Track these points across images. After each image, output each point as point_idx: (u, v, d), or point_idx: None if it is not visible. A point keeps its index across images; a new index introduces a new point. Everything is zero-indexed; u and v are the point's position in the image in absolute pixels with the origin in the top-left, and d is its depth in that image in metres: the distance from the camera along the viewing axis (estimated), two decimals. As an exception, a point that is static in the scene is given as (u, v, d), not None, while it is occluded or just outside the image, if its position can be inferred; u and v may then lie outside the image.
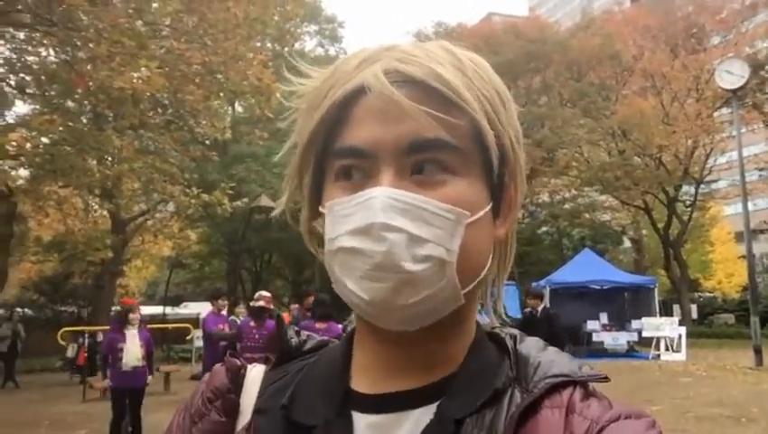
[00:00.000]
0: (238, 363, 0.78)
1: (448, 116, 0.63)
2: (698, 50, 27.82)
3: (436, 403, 0.65)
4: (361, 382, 0.70)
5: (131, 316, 8.18)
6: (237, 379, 0.76)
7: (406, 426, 0.65)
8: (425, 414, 0.65)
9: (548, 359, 0.69)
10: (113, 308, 24.28)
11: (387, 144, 0.63)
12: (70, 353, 16.49)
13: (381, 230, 0.61)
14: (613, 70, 29.74)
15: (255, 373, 0.77)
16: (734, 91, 17.81)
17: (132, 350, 7.86)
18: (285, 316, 11.83)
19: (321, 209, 0.68)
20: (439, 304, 0.64)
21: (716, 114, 27.29)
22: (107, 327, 17.85)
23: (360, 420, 0.67)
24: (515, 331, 0.75)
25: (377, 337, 0.69)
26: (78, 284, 27.65)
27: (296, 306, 12.76)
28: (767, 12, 29.40)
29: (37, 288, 27.66)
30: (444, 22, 37.01)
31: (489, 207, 0.67)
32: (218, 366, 0.79)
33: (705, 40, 28.84)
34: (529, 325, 9.52)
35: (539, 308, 9.46)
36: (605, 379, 0.68)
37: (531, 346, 0.72)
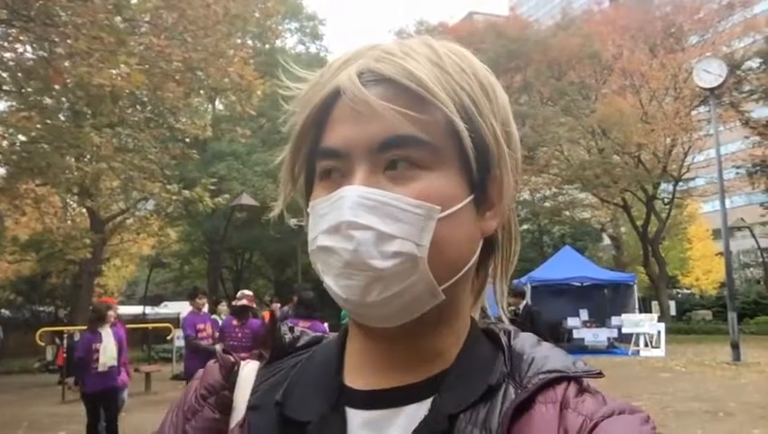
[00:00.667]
0: (232, 359, 0.77)
1: (421, 112, 0.63)
2: (676, 49, 28.13)
3: (430, 399, 0.65)
4: (355, 378, 0.70)
5: (109, 313, 8.03)
6: (230, 375, 0.76)
7: (400, 421, 0.65)
8: (419, 410, 0.65)
9: (542, 355, 0.69)
10: (90, 308, 24.05)
11: (360, 143, 0.64)
12: (50, 355, 16.28)
13: (349, 228, 0.61)
14: (593, 69, 29.97)
15: (248, 370, 0.77)
16: (711, 90, 18.03)
17: (108, 348, 7.73)
18: (266, 314, 11.79)
19: (307, 209, 0.69)
20: (414, 299, 0.64)
21: (693, 112, 27.63)
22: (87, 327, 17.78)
23: (355, 416, 0.66)
24: (510, 327, 0.74)
25: (365, 333, 0.69)
26: (56, 284, 27.36)
27: (278, 304, 12.71)
28: (744, 11, 29.82)
29: (14, 288, 27.29)
30: (426, 20, 37.05)
31: (468, 200, 0.66)
32: (211, 363, 0.78)
33: (683, 39, 29.18)
34: (511, 323, 9.57)
35: (521, 306, 9.49)
36: (599, 374, 0.68)
37: (525, 342, 0.71)
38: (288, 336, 0.79)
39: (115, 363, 7.73)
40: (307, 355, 0.76)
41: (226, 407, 0.74)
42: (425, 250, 0.62)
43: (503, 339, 0.72)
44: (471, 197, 0.66)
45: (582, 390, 0.66)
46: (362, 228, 0.61)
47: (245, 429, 0.71)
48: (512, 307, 9.69)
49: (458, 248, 0.66)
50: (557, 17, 34.06)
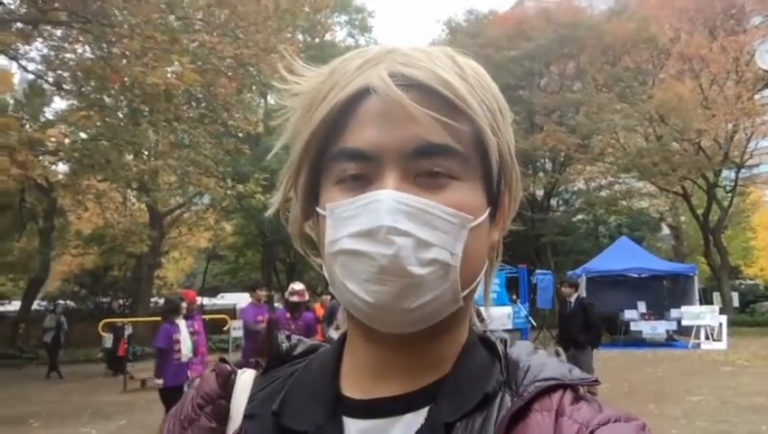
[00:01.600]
0: (228, 368, 0.77)
1: (452, 121, 0.63)
2: (738, 31, 27.08)
3: (427, 408, 0.65)
4: (352, 387, 0.70)
5: (182, 304, 8.12)
6: (227, 384, 0.76)
7: (397, 431, 0.65)
8: (415, 419, 0.65)
9: (538, 363, 0.69)
10: (151, 300, 24.76)
11: (391, 147, 0.63)
12: (108, 343, 16.84)
13: (389, 233, 0.60)
14: (649, 54, 29.14)
15: (245, 379, 0.77)
16: (775, 73, 17.32)
17: (186, 340, 7.85)
18: (318, 306, 11.89)
19: (320, 210, 0.67)
20: (440, 307, 0.64)
21: (756, 96, 26.61)
22: (148, 318, 18.29)
23: (352, 426, 0.66)
24: (505, 335, 0.75)
25: (369, 340, 0.68)
26: (117, 276, 28.24)
27: (328, 297, 12.80)
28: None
29: (78, 281, 28.30)
30: (476, 9, 36.68)
31: (488, 212, 0.67)
32: (207, 372, 0.79)
33: (744, 20, 28.08)
34: (563, 315, 9.43)
35: (573, 298, 9.35)
36: (595, 382, 0.68)
37: (521, 350, 0.72)
38: (285, 345, 0.79)
39: (191, 354, 7.83)
40: (304, 364, 0.76)
41: (222, 416, 0.74)
42: (458, 260, 0.63)
43: (500, 347, 0.72)
44: (489, 209, 0.68)
45: (578, 397, 0.65)
46: (402, 234, 0.61)
47: None
48: (566, 299, 9.56)
49: (479, 257, 0.67)
50: (611, 2, 33.21)
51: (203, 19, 12.19)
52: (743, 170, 28.94)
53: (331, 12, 25.91)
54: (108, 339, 16.70)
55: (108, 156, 12.80)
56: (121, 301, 27.93)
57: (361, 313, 0.65)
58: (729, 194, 28.99)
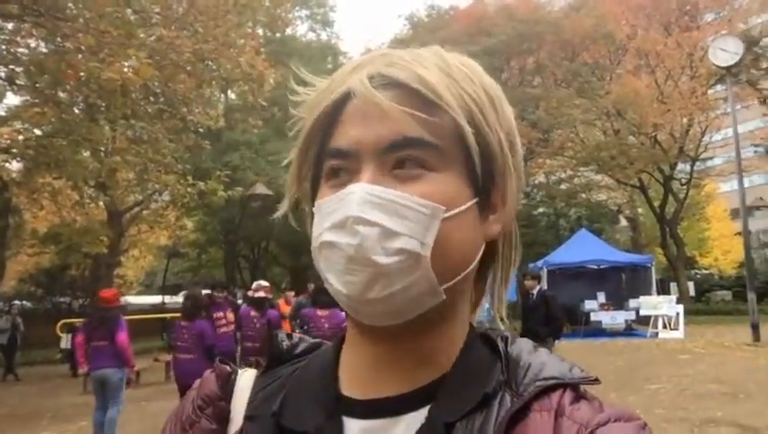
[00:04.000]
0: (228, 369, 0.78)
1: (429, 115, 0.64)
2: (692, 27, 27.71)
3: (427, 407, 0.65)
4: (352, 387, 0.70)
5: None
6: (227, 385, 0.76)
7: (397, 430, 0.65)
8: (416, 418, 0.65)
9: (539, 361, 0.69)
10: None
11: (368, 143, 0.65)
12: (64, 344, 16.51)
13: (355, 223, 0.62)
14: (607, 50, 29.66)
15: (245, 379, 0.77)
16: (728, 69, 17.78)
17: None
18: (282, 302, 11.83)
19: (313, 209, 0.69)
20: (416, 298, 0.64)
21: (710, 91, 27.26)
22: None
23: (352, 426, 0.67)
24: (506, 332, 0.75)
25: (363, 335, 0.69)
26: (75, 275, 27.67)
27: (291, 293, 12.75)
28: (760, -13, 29.27)
29: (34, 281, 27.66)
30: (437, 5, 36.84)
31: (471, 203, 0.67)
32: (208, 373, 0.79)
33: (698, 17, 28.74)
34: (526, 308, 9.54)
35: (535, 291, 9.45)
36: (596, 381, 0.68)
37: (522, 348, 0.72)
38: (286, 343, 0.79)
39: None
40: (304, 363, 0.76)
41: (223, 418, 0.74)
42: (428, 249, 0.63)
43: (500, 345, 0.72)
44: (474, 200, 0.68)
45: (578, 396, 0.66)
46: (368, 223, 0.62)
47: None
48: (529, 292, 9.67)
49: (460, 249, 0.67)
50: (570, -2, 33.66)
51: (161, 13, 11.98)
52: (697, 163, 29.64)
53: (291, 6, 25.70)
54: (67, 339, 16.35)
55: (64, 154, 12.50)
56: (80, 301, 27.38)
57: (344, 305, 0.66)
58: (684, 187, 29.69)
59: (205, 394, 0.75)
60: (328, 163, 0.68)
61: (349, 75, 0.68)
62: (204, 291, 9.41)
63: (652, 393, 9.90)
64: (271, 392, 0.73)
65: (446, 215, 0.64)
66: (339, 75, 0.69)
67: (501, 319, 0.76)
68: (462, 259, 0.67)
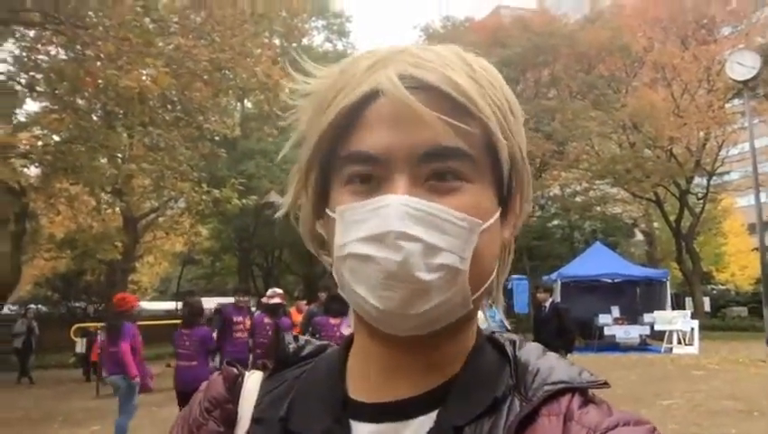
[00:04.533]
0: (236, 371, 0.77)
1: (463, 122, 0.62)
2: (709, 41, 27.59)
3: (436, 411, 0.65)
4: (360, 391, 0.69)
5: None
6: (234, 388, 0.76)
7: None
8: (424, 422, 0.65)
9: (547, 365, 0.68)
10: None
11: (401, 150, 0.62)
12: (80, 348, 16.61)
13: (398, 238, 0.60)
14: (623, 63, 29.57)
15: (252, 381, 0.76)
16: (745, 83, 17.67)
17: None
18: (294, 311, 11.85)
19: (330, 213, 0.66)
20: (449, 310, 0.63)
21: (727, 105, 27.09)
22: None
23: (360, 430, 0.66)
24: (515, 336, 0.74)
25: (376, 341, 0.68)
26: (90, 281, 27.87)
27: (304, 301, 12.77)
28: (779, 1, 29.10)
29: (50, 285, 27.89)
30: (453, 16, 36.90)
31: (498, 213, 0.67)
32: (215, 375, 0.78)
33: (715, 30, 28.60)
34: (538, 320, 9.50)
35: (548, 303, 9.42)
36: (605, 385, 0.67)
37: (531, 352, 0.71)
38: (293, 346, 0.79)
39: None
40: (311, 366, 0.75)
41: (230, 420, 0.73)
42: (467, 264, 0.62)
43: (509, 349, 0.71)
44: (500, 210, 0.67)
45: (587, 401, 0.65)
46: (412, 239, 0.60)
47: None
48: (541, 304, 9.64)
49: (490, 260, 0.66)
50: (586, 10, 33.65)
51: (179, 22, 12.11)
52: (714, 177, 29.40)
53: (308, 16, 25.89)
54: (81, 344, 16.46)
55: (82, 160, 12.65)
56: (94, 306, 27.57)
57: (370, 316, 0.64)
58: (701, 201, 29.45)
59: (212, 396, 0.75)
60: (351, 167, 0.64)
61: (368, 71, 0.64)
62: (225, 300, 9.48)
63: (665, 409, 9.80)
64: (278, 396, 0.72)
65: (482, 228, 0.63)
66: (353, 69, 0.66)
67: (504, 319, 0.77)
68: (489, 269, 0.67)
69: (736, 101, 26.58)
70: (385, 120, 0.63)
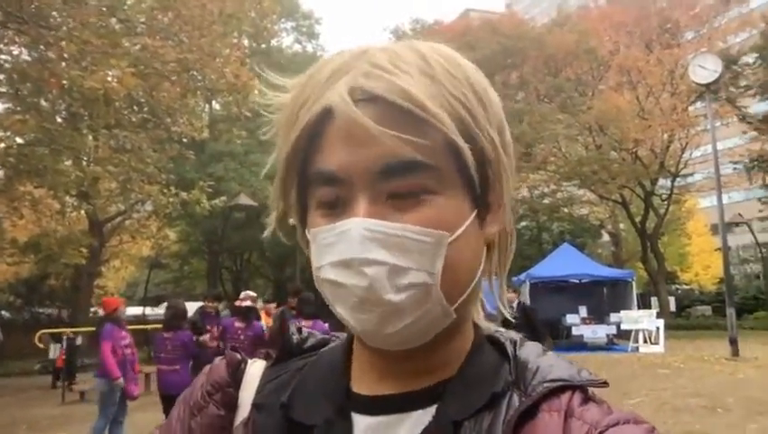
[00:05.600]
0: (239, 357, 0.78)
1: (418, 133, 0.60)
2: (672, 45, 28.12)
3: (435, 405, 0.65)
4: (361, 384, 0.70)
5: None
6: (236, 373, 0.76)
7: (405, 427, 0.65)
8: (424, 416, 0.65)
9: (547, 363, 0.69)
10: (91, 310, 24.03)
11: (358, 169, 0.61)
12: (52, 354, 16.27)
13: (361, 265, 0.60)
14: (589, 66, 29.97)
15: (255, 369, 0.77)
16: (707, 86, 18.02)
17: None
18: (264, 314, 11.75)
19: (307, 234, 0.67)
20: (429, 324, 0.63)
21: (690, 108, 27.61)
22: (86, 329, 17.74)
23: (360, 422, 0.67)
24: (515, 335, 0.74)
25: (372, 350, 0.68)
26: (55, 285, 27.32)
27: (272, 304, 12.66)
28: (739, 7, 29.84)
29: (13, 290, 27.28)
30: (422, 18, 37.07)
31: (473, 216, 0.65)
32: (218, 359, 0.79)
33: (678, 35, 29.15)
34: (506, 320, 9.56)
35: (515, 304, 9.48)
36: (604, 384, 0.68)
37: (531, 351, 0.71)
38: (296, 337, 0.79)
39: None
40: (313, 359, 0.76)
41: (231, 404, 0.74)
42: (437, 278, 0.61)
43: (509, 348, 0.71)
44: (474, 212, 0.65)
45: (587, 399, 0.65)
46: (375, 263, 0.60)
47: (249, 427, 0.71)
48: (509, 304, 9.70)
49: (467, 266, 0.65)
50: (553, 14, 34.04)
51: (146, 23, 11.96)
52: (678, 179, 29.93)
53: (277, 18, 25.77)
54: (54, 349, 16.11)
55: (46, 162, 12.41)
56: (58, 311, 27.05)
57: (355, 334, 0.67)
58: (665, 202, 29.97)
59: (215, 380, 0.75)
60: (317, 187, 0.64)
61: (325, 85, 0.63)
62: (193, 304, 9.32)
63: (632, 407, 9.94)
64: (280, 384, 0.73)
65: (451, 239, 0.62)
66: (314, 81, 0.65)
67: (504, 307, 0.75)
68: (469, 274, 0.66)
69: (699, 104, 27.11)
70: (341, 138, 0.62)
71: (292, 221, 0.73)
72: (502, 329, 0.76)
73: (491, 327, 0.75)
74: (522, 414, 0.63)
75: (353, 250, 0.60)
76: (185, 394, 0.78)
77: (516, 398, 0.65)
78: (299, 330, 0.81)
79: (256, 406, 0.72)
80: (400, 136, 0.59)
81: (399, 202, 0.61)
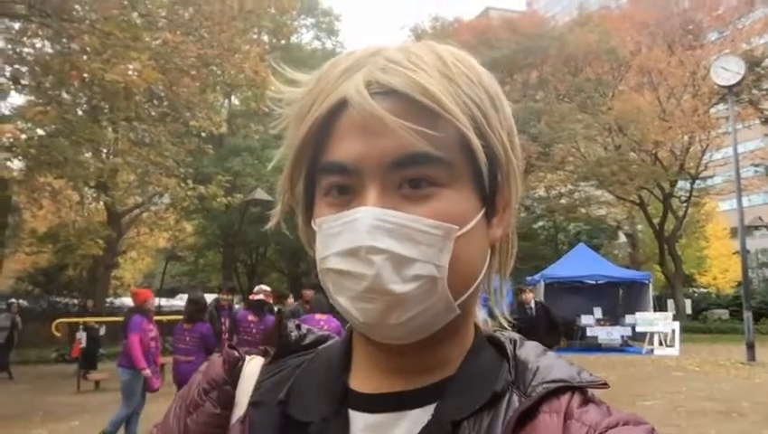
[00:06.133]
0: (236, 354, 0.77)
1: (433, 127, 0.61)
2: (695, 46, 27.84)
3: (434, 404, 0.65)
4: (360, 381, 0.70)
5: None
6: (234, 370, 0.75)
7: (403, 426, 0.65)
8: (422, 415, 0.65)
9: (547, 364, 0.68)
10: (107, 300, 24.30)
11: (371, 160, 0.61)
12: (84, 343, 16.42)
13: (368, 253, 0.60)
14: (610, 66, 29.74)
15: (252, 366, 0.76)
16: (729, 88, 17.84)
17: None
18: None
19: (313, 225, 0.67)
20: (432, 318, 0.63)
21: (712, 110, 27.33)
22: (103, 319, 17.94)
23: (358, 419, 0.67)
24: (515, 335, 0.74)
25: (372, 345, 0.68)
26: (73, 276, 27.63)
27: (291, 299, 12.71)
28: (764, 8, 29.43)
29: (32, 280, 27.61)
30: (441, 16, 36.96)
31: (481, 214, 0.66)
32: (215, 357, 0.78)
33: (701, 36, 28.85)
34: (527, 320, 9.49)
35: (532, 303, 9.46)
36: (604, 385, 0.67)
37: (530, 351, 0.71)
38: (294, 334, 0.79)
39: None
40: (312, 356, 0.76)
41: (227, 402, 0.73)
42: (444, 271, 0.62)
43: (508, 348, 0.71)
44: (483, 210, 0.66)
45: (586, 400, 0.65)
46: (382, 252, 0.60)
47: (246, 425, 0.70)
48: (526, 304, 9.67)
49: (473, 262, 0.66)
50: (574, 13, 33.82)
51: (167, 17, 12.05)
52: (697, 181, 29.65)
53: (297, 14, 25.83)
54: (83, 338, 16.28)
55: (66, 154, 12.55)
56: (76, 301, 27.33)
57: (357, 326, 0.66)
58: (684, 204, 29.70)
59: (211, 378, 0.75)
60: (326, 178, 0.64)
61: (340, 79, 0.64)
62: (208, 296, 9.35)
63: (645, 409, 9.88)
64: (278, 381, 0.73)
65: (459, 233, 0.62)
66: (328, 76, 0.65)
67: (504, 311, 0.76)
68: (474, 271, 0.66)
69: (721, 106, 26.85)
70: (355, 130, 0.62)
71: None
72: (508, 331, 0.76)
73: (487, 322, 0.75)
74: (522, 415, 0.63)
75: (361, 238, 0.60)
76: (182, 391, 0.77)
77: (515, 398, 0.65)
78: (298, 327, 0.80)
79: (253, 403, 0.72)
80: (416, 129, 0.60)
81: (410, 194, 0.62)
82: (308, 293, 9.77)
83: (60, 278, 27.24)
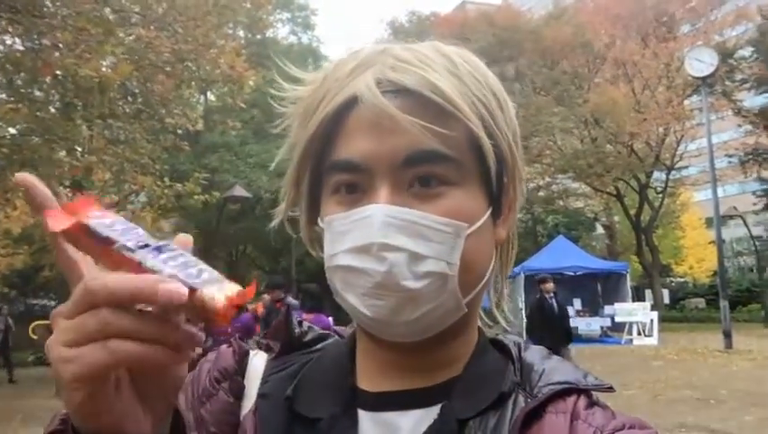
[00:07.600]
0: (245, 346, 0.78)
1: (444, 125, 0.61)
2: (669, 38, 28.16)
3: (440, 404, 0.65)
4: (367, 380, 0.70)
5: None
6: (243, 362, 0.76)
7: (410, 424, 0.65)
8: (429, 414, 0.65)
9: (553, 367, 0.69)
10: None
11: (382, 157, 0.62)
12: None
13: (381, 250, 0.60)
14: (586, 59, 29.98)
15: (258, 360, 0.77)
16: (703, 79, 18.07)
17: None
18: (259, 305, 11.73)
19: (320, 223, 0.67)
20: (442, 315, 0.64)
21: (686, 101, 27.71)
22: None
23: (365, 418, 0.67)
24: (519, 338, 0.75)
25: (377, 345, 0.69)
26: (49, 277, 27.25)
27: (268, 296, 12.64)
28: (735, 0, 29.84)
29: (7, 282, 27.20)
30: (418, 11, 36.96)
31: (488, 213, 0.66)
32: (224, 347, 0.78)
33: (675, 28, 29.20)
34: (548, 317, 9.46)
35: (551, 295, 9.58)
36: (610, 389, 0.68)
37: (535, 354, 0.72)
38: (297, 331, 0.79)
39: None
40: (318, 354, 0.76)
41: (239, 393, 0.74)
42: (455, 268, 0.62)
43: (513, 350, 0.72)
44: (490, 210, 0.67)
45: (592, 403, 0.66)
46: (394, 249, 0.60)
47: (257, 417, 0.71)
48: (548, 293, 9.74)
49: (481, 261, 0.66)
50: (550, 7, 34.01)
51: (140, 12, 11.87)
52: (673, 172, 30.05)
53: (273, 9, 25.64)
54: None
55: (39, 152, 12.33)
56: (54, 303, 27.00)
57: (364, 324, 0.66)
58: (660, 195, 30.07)
59: (223, 367, 0.75)
60: (335, 176, 0.65)
61: (349, 76, 0.64)
62: None
63: (626, 399, 9.98)
64: (284, 377, 0.73)
65: (469, 231, 0.63)
66: (336, 74, 0.65)
67: (505, 312, 0.76)
68: (482, 270, 0.67)
69: (695, 98, 27.19)
70: (365, 127, 0.62)
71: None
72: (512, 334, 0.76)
73: (494, 330, 0.76)
74: (528, 415, 0.63)
75: (373, 235, 0.60)
76: (191, 379, 0.76)
77: (522, 399, 0.66)
78: (300, 323, 0.80)
79: (261, 396, 0.72)
80: (427, 126, 0.60)
81: (420, 193, 0.62)
82: (276, 293, 9.64)
83: (36, 280, 26.87)
